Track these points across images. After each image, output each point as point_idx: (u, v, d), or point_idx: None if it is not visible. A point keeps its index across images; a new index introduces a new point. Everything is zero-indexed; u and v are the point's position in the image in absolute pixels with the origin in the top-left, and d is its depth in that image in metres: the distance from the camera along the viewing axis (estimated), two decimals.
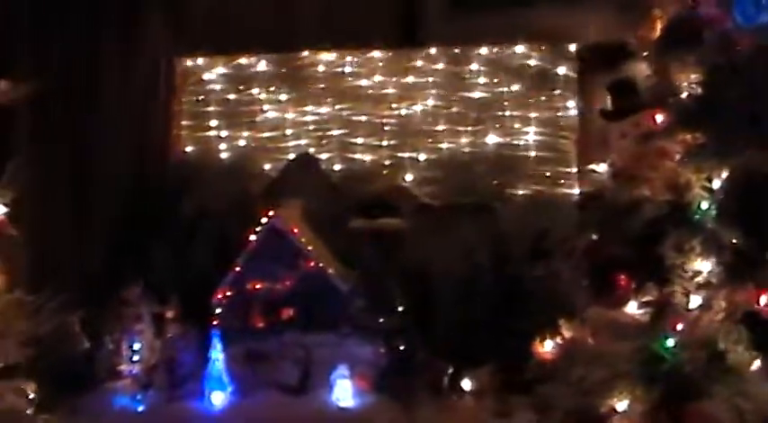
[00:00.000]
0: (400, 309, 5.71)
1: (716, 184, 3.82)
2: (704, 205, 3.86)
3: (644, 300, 4.03)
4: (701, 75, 3.91)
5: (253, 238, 5.83)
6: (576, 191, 6.22)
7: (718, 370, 3.85)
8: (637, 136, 4.16)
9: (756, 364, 3.82)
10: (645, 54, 4.20)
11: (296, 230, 5.81)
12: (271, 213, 5.84)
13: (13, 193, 4.82)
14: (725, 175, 3.78)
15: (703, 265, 3.83)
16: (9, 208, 4.86)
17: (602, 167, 4.27)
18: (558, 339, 4.36)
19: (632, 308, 4.07)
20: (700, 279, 3.84)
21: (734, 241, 3.76)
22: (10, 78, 4.93)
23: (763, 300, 3.71)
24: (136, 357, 5.59)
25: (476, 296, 5.84)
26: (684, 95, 3.92)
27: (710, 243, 3.82)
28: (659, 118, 4.01)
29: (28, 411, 4.76)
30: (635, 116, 4.19)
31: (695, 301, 3.85)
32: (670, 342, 3.93)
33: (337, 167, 6.45)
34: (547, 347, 4.40)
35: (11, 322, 4.74)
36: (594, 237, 4.27)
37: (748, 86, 3.83)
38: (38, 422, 4.77)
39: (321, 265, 5.80)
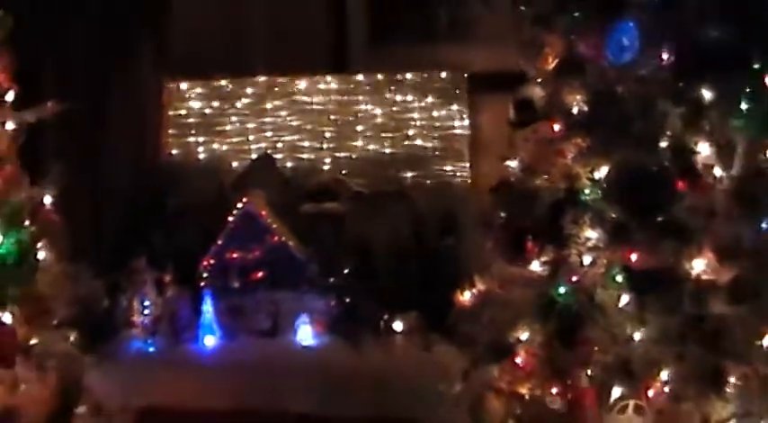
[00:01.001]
0: (345, 271, 5.81)
1: (598, 175, 3.95)
2: (591, 191, 3.97)
3: (544, 259, 4.14)
4: (584, 96, 4.05)
5: (230, 219, 5.93)
6: (469, 181, 6.41)
7: (594, 307, 3.98)
8: (535, 139, 4.27)
9: (624, 301, 3.93)
10: (539, 80, 4.30)
11: (263, 213, 5.93)
12: (244, 200, 5.95)
13: (57, 188, 4.90)
14: (606, 168, 3.91)
15: (592, 234, 3.95)
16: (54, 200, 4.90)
17: (513, 163, 4.33)
18: (474, 290, 4.42)
19: (535, 266, 4.16)
20: (589, 244, 3.94)
21: (613, 215, 3.88)
22: (40, 101, 4.93)
23: (633, 257, 3.85)
24: (145, 311, 5.64)
25: (403, 259, 5.96)
26: (575, 111, 4.06)
27: (597, 217, 3.93)
28: (556, 127, 4.14)
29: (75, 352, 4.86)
30: (533, 125, 4.29)
31: (586, 260, 3.97)
32: (562, 289, 4.06)
33: (289, 164, 6.56)
34: (465, 297, 4.44)
35: (61, 287, 4.80)
36: (504, 214, 4.33)
37: (619, 104, 4.01)
38: (81, 359, 4.87)
39: (284, 239, 5.91)
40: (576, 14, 4.17)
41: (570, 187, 4.08)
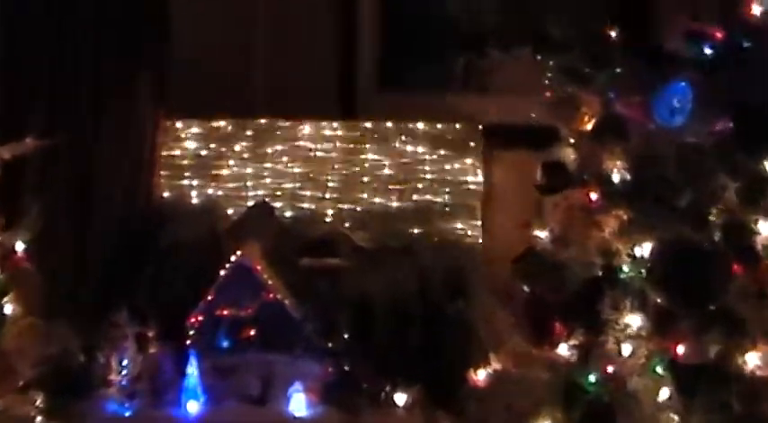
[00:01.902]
0: (345, 334, 5.47)
1: (640, 251, 3.64)
2: (632, 269, 3.67)
3: (573, 343, 3.84)
4: (626, 162, 3.73)
5: (222, 272, 5.58)
6: (480, 241, 6.03)
7: (628, 398, 3.69)
8: (567, 207, 3.98)
9: (664, 394, 3.63)
10: (572, 141, 3.99)
11: (258, 267, 5.57)
12: (239, 252, 5.60)
13: (31, 233, 4.54)
14: (649, 245, 3.59)
15: (633, 320, 3.64)
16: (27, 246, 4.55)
17: (541, 232, 4.04)
18: (490, 369, 4.18)
19: (563, 349, 3.88)
20: (629, 331, 3.64)
21: (658, 300, 3.56)
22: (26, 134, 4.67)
23: (680, 349, 3.52)
24: (123, 371, 5.25)
25: (408, 323, 5.59)
26: (615, 178, 3.73)
27: (638, 301, 3.64)
28: (593, 196, 3.82)
29: (38, 419, 4.51)
30: (565, 191, 3.99)
31: (625, 349, 3.66)
32: (592, 378, 3.77)
33: (289, 214, 6.19)
34: (479, 375, 4.21)
35: (27, 345, 4.46)
36: (528, 288, 4.07)
37: (666, 173, 3.56)
38: None
39: (279, 296, 5.55)
40: (618, 70, 3.69)
41: (607, 264, 3.74)
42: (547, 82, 4.14)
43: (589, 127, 3.94)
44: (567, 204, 3.99)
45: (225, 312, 5.53)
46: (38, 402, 4.50)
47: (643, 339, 3.63)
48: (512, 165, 5.77)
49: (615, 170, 3.77)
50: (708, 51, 3.71)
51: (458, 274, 5.76)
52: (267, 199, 6.28)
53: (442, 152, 6.16)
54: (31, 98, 5.49)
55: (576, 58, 4.07)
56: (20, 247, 4.53)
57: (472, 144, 6.14)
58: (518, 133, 5.66)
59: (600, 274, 3.76)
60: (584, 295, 3.76)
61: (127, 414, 5.19)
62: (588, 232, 3.84)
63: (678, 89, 3.62)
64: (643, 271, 3.63)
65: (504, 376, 4.10)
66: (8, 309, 4.37)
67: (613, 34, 3.92)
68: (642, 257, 3.64)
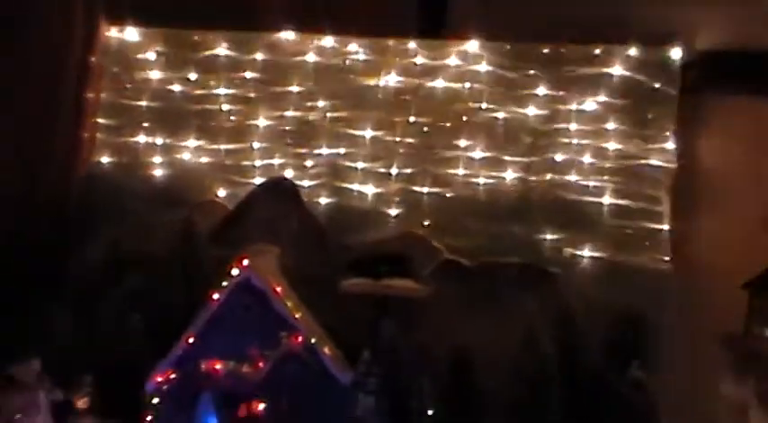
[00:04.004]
0: (429, 412, 4.95)
1: None
2: None
3: None
4: None
5: (215, 296, 4.99)
6: (668, 257, 5.62)
7: None
8: None
9: None
10: None
11: (278, 290, 4.99)
12: (245, 263, 4.99)
13: None
14: None
15: None
16: None
17: None
18: None
19: None
20: None
21: None
22: None
23: None
24: None
25: (543, 395, 5.15)
26: None
27: None
28: None
29: None
30: None
31: None
32: None
33: (326, 201, 5.72)
34: None
35: None
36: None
37: None
38: None
39: (313, 341, 4.96)
40: None
41: None
42: None
43: None
44: None
45: (216, 368, 4.98)
46: None
47: None
48: (735, 126, 5.40)
49: None
50: None
51: (634, 314, 5.30)
52: (287, 173, 5.86)
53: (603, 99, 5.80)
54: None
55: None
56: None
57: (660, 86, 5.75)
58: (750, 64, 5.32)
59: None
60: None
61: None
62: None
63: None
64: None
65: None
66: None
67: None
68: None
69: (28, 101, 5.76)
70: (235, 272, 5.03)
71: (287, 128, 5.93)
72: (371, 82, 6.09)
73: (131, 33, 5.85)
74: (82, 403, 4.88)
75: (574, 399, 5.26)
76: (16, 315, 5.27)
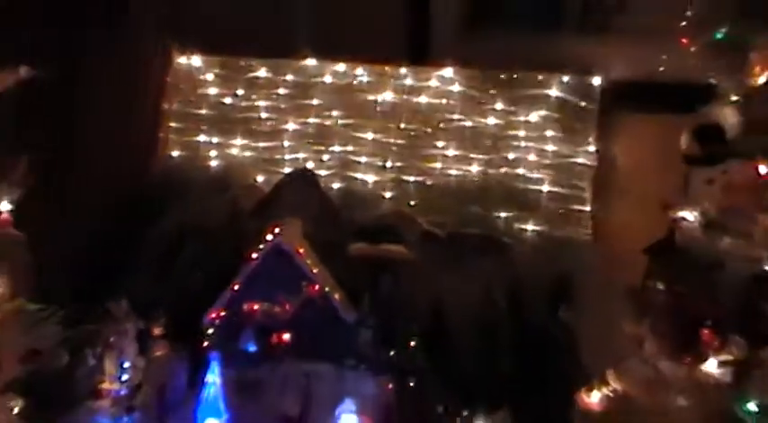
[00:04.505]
0: (412, 343, 5.57)
1: None
2: None
3: (726, 358, 3.88)
4: None
5: (253, 255, 5.68)
6: (589, 232, 6.30)
7: None
8: (726, 184, 4.03)
9: None
10: (734, 99, 4.09)
11: (301, 251, 5.70)
12: (275, 231, 5.70)
13: (20, 190, 4.71)
14: None
15: None
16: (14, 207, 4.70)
17: (688, 214, 4.06)
18: (607, 391, 4.27)
19: (711, 366, 3.91)
20: None
21: None
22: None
23: None
24: (121, 377, 5.35)
25: (493, 333, 5.78)
26: None
27: None
28: (763, 169, 3.88)
29: None
30: (723, 164, 4.05)
31: None
32: (752, 405, 3.81)
33: (337, 186, 6.46)
34: (593, 398, 4.30)
35: (11, 333, 4.55)
36: (665, 286, 4.18)
37: None
38: None
39: (327, 290, 5.67)
40: None
41: None
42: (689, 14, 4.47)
43: (762, 81, 4.09)
44: (726, 180, 4.06)
45: (254, 308, 5.67)
46: (15, 410, 4.62)
47: None
48: (638, 132, 6.02)
49: None
50: None
51: (562, 271, 5.98)
52: (309, 165, 6.54)
53: (543, 113, 6.51)
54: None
55: None
56: (5, 207, 4.68)
57: (584, 104, 6.47)
58: (647, 91, 5.89)
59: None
60: (746, 297, 3.84)
61: None
62: (755, 217, 3.93)
63: None
64: None
65: (627, 400, 4.18)
66: None
67: None
68: None
69: (123, 111, 6.29)
70: (268, 237, 5.66)
71: (309, 131, 6.60)
72: (372, 97, 6.64)
73: (196, 60, 6.56)
74: (158, 332, 5.46)
75: (519, 337, 5.77)
76: (113, 269, 5.87)
